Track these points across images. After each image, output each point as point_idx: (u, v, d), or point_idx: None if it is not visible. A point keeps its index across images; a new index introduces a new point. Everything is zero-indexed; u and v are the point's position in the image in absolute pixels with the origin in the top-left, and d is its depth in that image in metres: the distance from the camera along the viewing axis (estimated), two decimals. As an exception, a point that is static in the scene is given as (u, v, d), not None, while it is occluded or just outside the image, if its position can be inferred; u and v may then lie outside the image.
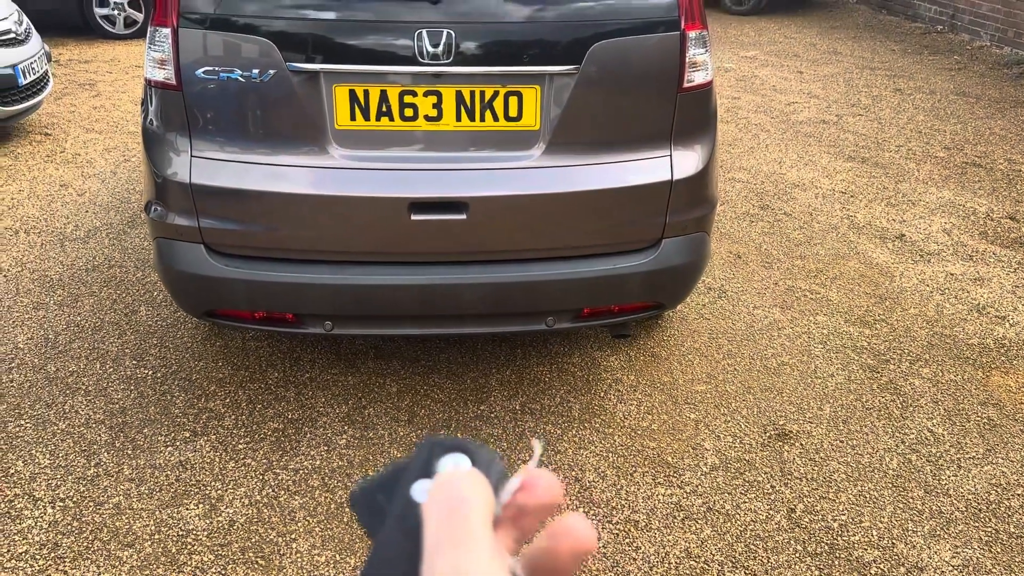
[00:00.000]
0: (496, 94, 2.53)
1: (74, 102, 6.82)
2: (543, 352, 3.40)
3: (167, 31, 2.47)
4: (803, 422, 3.04)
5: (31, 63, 5.62)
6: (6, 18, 5.62)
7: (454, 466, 0.44)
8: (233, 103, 2.51)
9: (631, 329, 3.38)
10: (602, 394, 3.16)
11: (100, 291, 3.81)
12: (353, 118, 2.53)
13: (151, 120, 2.65)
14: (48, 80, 6.01)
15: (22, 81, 5.49)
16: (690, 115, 2.68)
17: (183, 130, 2.55)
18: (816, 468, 2.82)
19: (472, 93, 2.52)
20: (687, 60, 2.58)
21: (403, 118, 2.53)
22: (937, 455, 2.91)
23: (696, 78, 2.63)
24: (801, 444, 2.93)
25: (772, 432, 2.99)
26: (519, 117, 2.56)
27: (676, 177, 2.67)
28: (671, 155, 2.67)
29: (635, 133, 2.66)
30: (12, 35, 5.56)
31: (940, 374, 3.35)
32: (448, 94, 2.51)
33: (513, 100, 2.54)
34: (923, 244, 4.50)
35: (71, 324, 3.54)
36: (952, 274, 4.17)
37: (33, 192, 4.95)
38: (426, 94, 2.51)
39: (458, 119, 2.54)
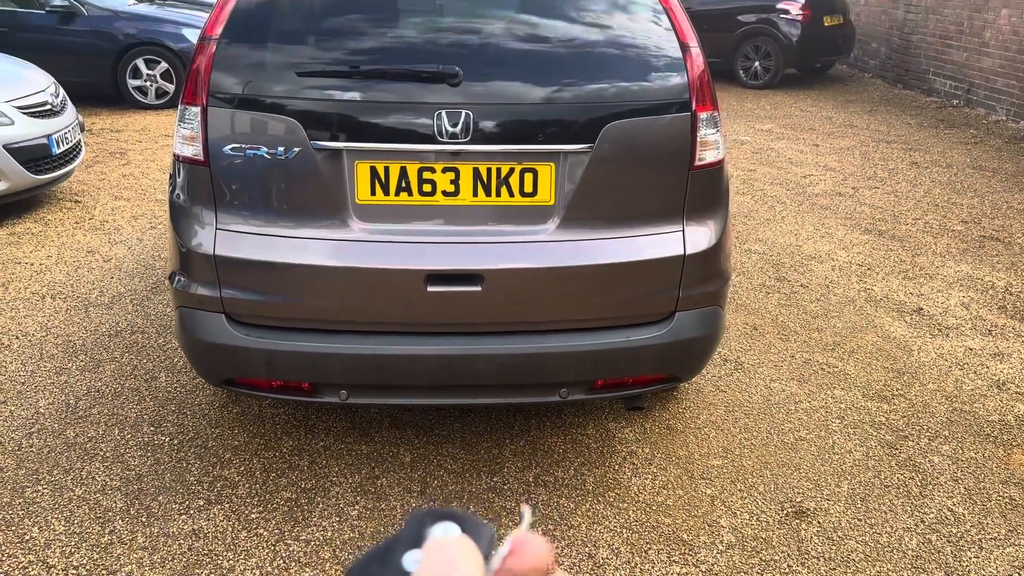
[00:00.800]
0: (512, 171, 2.59)
1: (104, 170, 7.01)
2: (557, 423, 3.39)
3: (197, 109, 2.56)
4: (820, 499, 3.01)
5: (65, 133, 5.81)
6: (43, 90, 5.84)
7: (444, 533, 0.45)
8: (258, 179, 2.60)
9: (645, 401, 3.37)
10: (616, 467, 3.15)
11: (121, 357, 3.86)
12: (373, 193, 2.60)
13: (178, 194, 2.73)
14: (80, 149, 6.19)
15: (55, 151, 5.67)
16: (702, 192, 2.72)
17: (209, 204, 2.63)
18: (834, 547, 2.78)
19: (489, 170, 2.58)
20: (698, 140, 2.64)
21: (422, 193, 2.60)
22: (958, 535, 2.85)
23: (707, 156, 2.68)
24: (818, 522, 2.89)
25: (789, 509, 2.95)
26: (534, 193, 2.62)
27: (689, 252, 2.71)
28: (683, 231, 2.71)
29: (648, 209, 2.71)
30: (48, 107, 5.77)
31: (960, 451, 3.31)
32: (466, 171, 2.58)
33: (528, 176, 2.60)
34: (941, 318, 4.48)
35: (92, 389, 3.58)
36: (971, 349, 4.14)
37: (61, 258, 5.06)
38: (444, 170, 2.58)
39: (475, 194, 2.61)
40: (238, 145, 2.55)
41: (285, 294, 2.63)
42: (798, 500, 3.00)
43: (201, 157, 2.58)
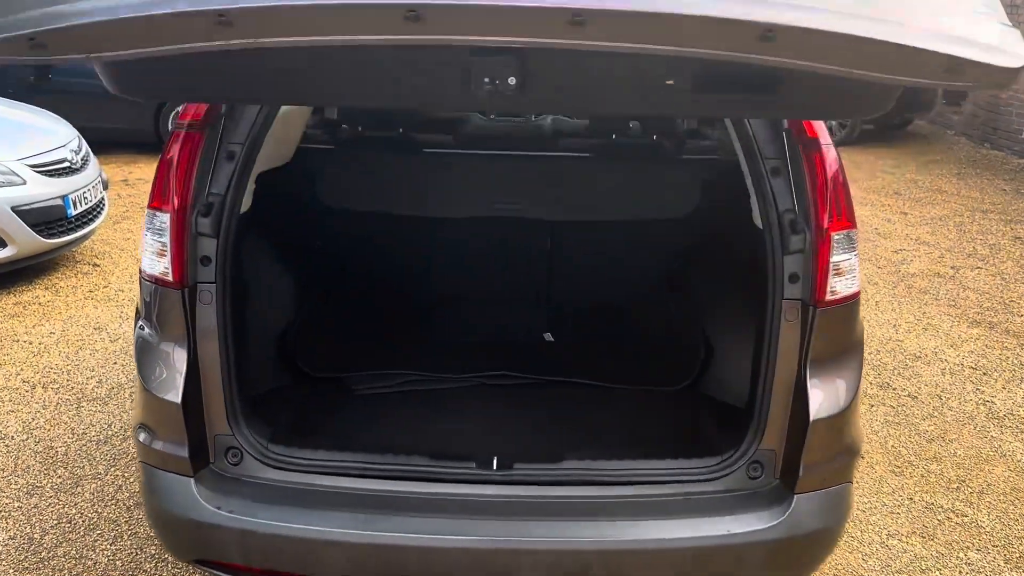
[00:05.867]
0: None
1: (132, 227, 6.56)
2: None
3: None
4: None
5: (84, 192, 5.35)
6: (64, 145, 5.39)
7: None
8: None
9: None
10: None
11: (106, 472, 3.28)
12: None
13: None
14: (102, 208, 5.73)
15: (71, 212, 5.20)
16: (832, 336, 2.04)
17: None
18: None
19: None
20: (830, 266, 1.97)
21: None
22: None
23: (840, 289, 2.00)
24: None
25: None
26: None
27: (813, 418, 2.00)
28: None
29: None
30: (67, 164, 5.31)
31: None
32: None
33: None
34: (1088, 448, 3.69)
35: (63, 518, 3.00)
36: None
37: (64, 335, 4.54)
38: None
39: None
40: None
41: None
42: None
43: None
